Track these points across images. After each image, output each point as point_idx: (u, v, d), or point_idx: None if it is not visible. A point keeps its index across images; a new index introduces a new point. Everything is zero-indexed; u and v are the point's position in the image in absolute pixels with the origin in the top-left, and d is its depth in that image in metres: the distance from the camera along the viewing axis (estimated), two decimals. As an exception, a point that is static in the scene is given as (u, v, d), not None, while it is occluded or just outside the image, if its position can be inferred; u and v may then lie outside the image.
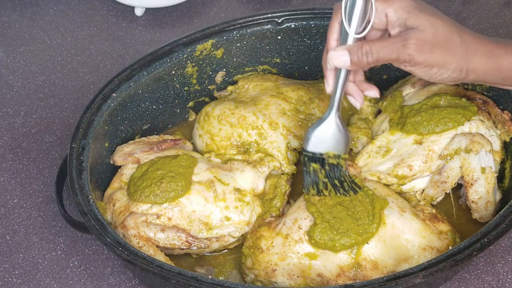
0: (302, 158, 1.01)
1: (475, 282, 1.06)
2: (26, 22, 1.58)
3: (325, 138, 0.98)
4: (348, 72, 0.94)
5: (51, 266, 1.12)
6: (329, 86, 0.95)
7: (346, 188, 1.00)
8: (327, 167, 0.99)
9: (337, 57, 0.90)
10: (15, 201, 1.22)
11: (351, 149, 1.19)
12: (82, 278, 1.10)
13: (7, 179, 1.25)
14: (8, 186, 1.24)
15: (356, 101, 0.98)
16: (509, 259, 1.09)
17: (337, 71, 0.95)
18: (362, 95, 0.97)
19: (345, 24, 0.90)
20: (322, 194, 1.00)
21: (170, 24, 1.58)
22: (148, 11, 1.60)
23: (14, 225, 1.18)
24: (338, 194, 0.99)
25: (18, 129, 1.34)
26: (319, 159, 0.99)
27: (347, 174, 0.99)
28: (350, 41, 0.90)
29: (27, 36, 1.55)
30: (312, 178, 1.00)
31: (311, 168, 1.00)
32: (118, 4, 1.62)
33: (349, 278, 1.00)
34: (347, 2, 0.90)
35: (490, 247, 1.08)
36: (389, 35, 0.91)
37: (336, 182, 0.99)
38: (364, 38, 0.92)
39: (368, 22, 0.90)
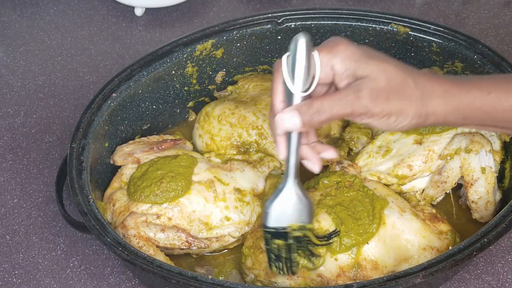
0: (263, 235, 0.88)
1: (475, 282, 1.06)
2: (26, 22, 1.58)
3: (285, 210, 0.86)
4: (300, 134, 0.83)
5: (51, 266, 1.12)
6: (281, 153, 0.84)
7: (316, 255, 0.93)
8: (291, 241, 0.89)
9: (286, 120, 0.80)
10: (15, 201, 1.22)
11: (351, 149, 1.19)
12: (82, 278, 1.10)
13: (7, 179, 1.25)
14: (8, 186, 1.24)
15: (314, 165, 0.86)
16: (509, 259, 1.09)
17: (288, 135, 0.83)
18: (319, 158, 0.86)
19: (289, 83, 0.80)
20: (286, 271, 0.92)
21: (170, 24, 1.58)
22: (148, 11, 1.60)
23: (14, 225, 1.18)
24: (307, 262, 0.94)
25: (18, 129, 1.34)
26: (282, 234, 0.88)
27: (315, 240, 0.91)
28: (297, 100, 0.81)
29: (27, 36, 1.55)
30: (276, 255, 0.91)
31: (274, 245, 0.89)
32: (118, 4, 1.62)
33: (349, 278, 1.00)
34: (287, 59, 0.80)
35: (490, 247, 1.08)
36: (336, 88, 0.83)
37: (301, 253, 0.91)
38: (310, 96, 0.82)
39: (313, 77, 0.80)
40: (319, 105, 0.79)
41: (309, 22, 1.27)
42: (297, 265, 0.91)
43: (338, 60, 0.80)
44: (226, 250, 1.12)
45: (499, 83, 0.82)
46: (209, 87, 1.32)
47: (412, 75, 0.81)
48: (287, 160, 0.84)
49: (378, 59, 0.80)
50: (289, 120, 0.81)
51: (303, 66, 0.79)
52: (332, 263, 1.00)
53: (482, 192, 1.08)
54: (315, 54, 0.80)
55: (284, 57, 0.81)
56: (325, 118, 0.80)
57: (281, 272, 0.91)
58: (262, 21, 1.27)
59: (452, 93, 0.81)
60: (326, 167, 1.16)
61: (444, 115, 0.82)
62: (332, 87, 0.84)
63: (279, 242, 0.89)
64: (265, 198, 1.12)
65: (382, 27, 1.25)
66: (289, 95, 0.82)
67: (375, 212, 1.02)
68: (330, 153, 0.87)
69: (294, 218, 0.87)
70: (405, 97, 0.80)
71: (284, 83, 0.81)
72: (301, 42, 0.79)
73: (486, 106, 0.81)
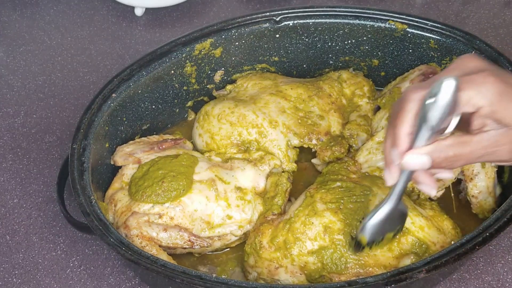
0: (359, 247, 0.92)
1: (475, 282, 1.06)
2: (26, 22, 1.59)
3: (383, 226, 0.88)
4: None
5: (51, 266, 1.11)
6: (393, 180, 0.79)
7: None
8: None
9: (415, 162, 0.75)
10: (15, 201, 1.22)
11: (351, 146, 1.19)
12: (82, 278, 1.10)
13: (7, 179, 1.25)
14: (8, 186, 1.24)
15: (431, 189, 0.80)
16: (509, 259, 1.09)
17: None
18: (435, 181, 0.80)
19: (426, 123, 0.73)
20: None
21: (170, 24, 1.58)
22: (148, 11, 1.61)
23: (14, 225, 1.18)
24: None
25: (18, 129, 1.34)
26: (378, 242, 0.92)
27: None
28: (427, 139, 0.74)
29: (27, 36, 1.55)
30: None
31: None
32: (118, 4, 1.62)
33: (353, 274, 1.00)
34: (434, 96, 0.73)
35: (490, 247, 1.08)
36: (467, 121, 0.76)
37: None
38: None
39: (451, 119, 0.74)
40: (454, 154, 0.75)
41: (307, 21, 1.27)
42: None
43: (486, 103, 0.72)
44: (228, 249, 1.12)
45: None
46: (208, 86, 1.32)
47: None
48: (396, 185, 0.82)
49: None
50: (418, 162, 0.75)
51: (446, 109, 0.72)
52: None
53: (482, 187, 1.09)
54: (460, 95, 0.72)
55: (428, 95, 0.74)
56: (459, 165, 0.76)
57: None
58: (260, 19, 1.27)
59: None
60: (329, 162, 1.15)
61: None
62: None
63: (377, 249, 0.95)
64: (266, 196, 1.12)
65: (380, 24, 1.26)
66: (419, 131, 0.75)
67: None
68: (446, 174, 0.81)
69: (391, 229, 0.91)
70: None
71: (417, 117, 0.75)
72: (449, 84, 0.72)
73: None
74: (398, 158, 0.77)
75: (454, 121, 0.75)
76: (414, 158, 0.75)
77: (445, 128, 0.75)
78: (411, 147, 0.76)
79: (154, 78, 1.23)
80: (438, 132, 0.75)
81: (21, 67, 1.48)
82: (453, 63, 0.77)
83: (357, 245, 0.91)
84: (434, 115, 0.73)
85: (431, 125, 0.73)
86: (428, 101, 0.73)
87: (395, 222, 0.89)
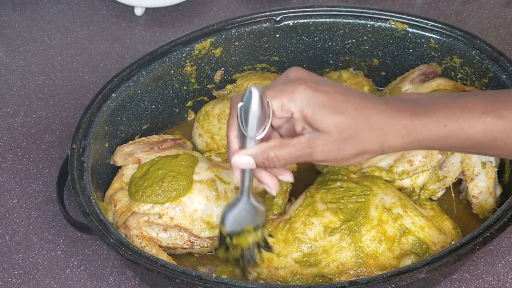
0: (222, 240, 0.97)
1: (476, 282, 1.05)
2: (26, 22, 1.59)
3: (241, 218, 0.94)
4: None
5: (50, 266, 1.11)
6: (236, 178, 0.89)
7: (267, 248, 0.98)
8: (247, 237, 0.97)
9: (241, 162, 0.85)
10: (14, 201, 1.22)
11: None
12: (82, 278, 1.09)
13: (7, 179, 1.25)
14: (8, 186, 1.24)
15: (271, 189, 0.89)
16: (510, 259, 1.08)
17: None
18: (276, 181, 0.89)
19: (242, 128, 0.84)
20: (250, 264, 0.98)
21: (170, 24, 1.58)
22: (148, 11, 1.60)
23: (14, 225, 1.18)
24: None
25: (17, 129, 1.34)
26: (239, 234, 0.96)
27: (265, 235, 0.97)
28: (251, 144, 0.85)
29: (27, 36, 1.55)
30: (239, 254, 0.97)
31: (234, 245, 0.97)
32: (118, 4, 1.62)
33: (353, 274, 1.00)
34: (242, 102, 0.83)
35: (491, 247, 1.08)
36: (293, 125, 0.85)
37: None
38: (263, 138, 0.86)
39: (267, 120, 0.84)
40: (273, 155, 0.83)
41: (307, 20, 1.27)
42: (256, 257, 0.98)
43: (295, 108, 0.81)
44: (228, 249, 1.12)
45: (455, 112, 0.82)
46: (208, 86, 1.32)
47: (369, 118, 0.81)
48: (242, 182, 0.90)
49: (333, 109, 0.81)
50: (244, 162, 0.84)
51: (256, 118, 0.82)
52: (334, 260, 1.00)
53: (483, 187, 1.09)
54: (270, 102, 0.82)
55: (239, 105, 0.83)
56: (280, 165, 0.84)
57: (247, 264, 0.98)
58: (261, 19, 1.27)
59: (410, 128, 0.82)
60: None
61: (401, 148, 0.84)
62: (290, 121, 0.86)
63: (238, 241, 0.96)
64: (266, 196, 1.12)
65: (380, 24, 1.26)
66: (242, 136, 0.85)
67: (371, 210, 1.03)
68: (286, 177, 0.89)
69: (249, 222, 0.94)
70: (360, 143, 0.82)
71: (239, 126, 0.85)
72: (254, 95, 0.81)
73: (444, 138, 0.82)
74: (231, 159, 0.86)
75: (268, 123, 0.83)
76: (240, 158, 0.84)
77: (265, 130, 0.84)
78: (242, 148, 0.85)
79: (154, 78, 1.22)
80: (258, 134, 0.84)
81: (21, 67, 1.48)
82: (281, 75, 0.86)
83: (220, 238, 0.96)
84: (247, 120, 0.83)
85: (247, 129, 0.83)
86: (239, 108, 0.83)
87: (253, 217, 0.94)
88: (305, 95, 0.81)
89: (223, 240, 0.95)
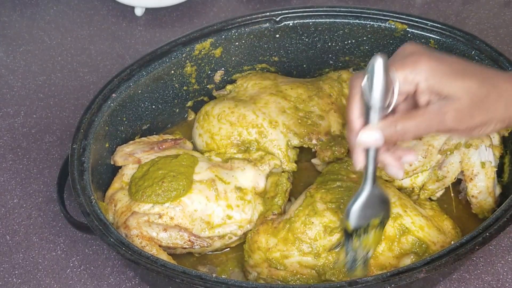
0: (345, 238, 0.95)
1: (475, 282, 1.06)
2: (26, 22, 1.59)
3: (365, 211, 0.91)
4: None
5: (51, 266, 1.12)
6: (359, 163, 0.86)
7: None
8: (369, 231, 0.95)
9: (369, 138, 0.82)
10: (15, 201, 1.22)
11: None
12: (82, 278, 1.10)
13: (7, 179, 1.25)
14: (8, 186, 1.24)
15: (398, 172, 0.87)
16: (509, 259, 1.09)
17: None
18: (401, 164, 0.87)
19: (368, 100, 0.81)
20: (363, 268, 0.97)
21: (170, 24, 1.58)
22: (148, 11, 1.61)
23: (14, 225, 1.18)
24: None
25: (18, 129, 1.34)
26: (364, 229, 0.95)
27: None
28: (375, 119, 0.82)
29: (27, 36, 1.55)
30: (353, 256, 0.96)
31: (355, 244, 0.95)
32: (118, 4, 1.62)
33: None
34: (367, 79, 0.81)
35: (490, 247, 1.08)
36: (415, 101, 0.84)
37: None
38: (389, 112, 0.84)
39: (392, 94, 0.82)
40: (403, 126, 0.81)
41: (307, 20, 1.27)
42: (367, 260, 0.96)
43: (421, 79, 0.80)
44: (228, 249, 1.12)
45: None
46: (208, 86, 1.32)
47: (496, 84, 0.81)
48: (366, 168, 0.87)
49: (460, 76, 0.80)
50: (371, 138, 0.82)
51: (382, 86, 0.80)
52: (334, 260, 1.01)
53: (482, 187, 1.09)
54: (394, 74, 0.81)
55: (364, 77, 0.81)
56: (409, 137, 0.82)
57: (357, 269, 0.96)
58: (260, 19, 1.27)
59: None
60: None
61: None
62: (412, 98, 0.84)
63: (365, 241, 0.94)
64: (266, 196, 1.13)
65: (380, 24, 1.26)
66: (367, 112, 0.82)
67: None
68: (412, 157, 0.88)
69: (374, 214, 0.92)
70: (490, 110, 0.81)
71: (362, 100, 0.82)
72: (378, 63, 0.79)
73: None
74: (355, 140, 0.83)
75: (395, 97, 0.82)
76: (367, 135, 0.82)
77: (390, 105, 0.82)
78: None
79: (154, 78, 1.23)
80: (383, 109, 0.81)
81: (21, 67, 1.48)
82: (396, 51, 0.85)
83: (345, 234, 0.93)
84: (372, 94, 0.80)
85: (372, 103, 0.80)
86: (364, 83, 0.81)
87: (378, 208, 0.92)
88: (428, 65, 0.80)
89: (347, 239, 0.92)
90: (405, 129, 0.81)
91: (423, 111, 0.81)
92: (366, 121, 0.82)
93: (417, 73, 0.80)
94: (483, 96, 0.80)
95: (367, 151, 0.85)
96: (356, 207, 0.90)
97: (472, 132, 0.83)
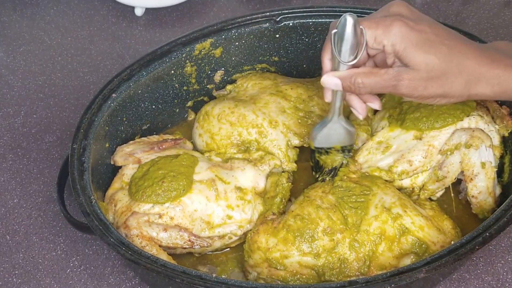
0: (311, 153, 1.11)
1: (475, 282, 1.06)
2: (26, 22, 1.59)
3: (330, 136, 1.06)
4: None
5: (51, 266, 1.12)
6: (326, 98, 0.98)
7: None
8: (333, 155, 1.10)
9: (330, 83, 0.91)
10: (15, 201, 1.22)
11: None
12: (82, 278, 1.10)
13: (7, 179, 1.25)
14: (8, 186, 1.24)
15: (359, 114, 0.97)
16: (509, 259, 1.09)
17: None
18: (365, 106, 0.96)
19: (335, 52, 0.89)
20: (328, 177, 1.11)
21: (170, 24, 1.58)
22: (148, 11, 1.61)
23: (14, 225, 1.18)
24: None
25: (18, 129, 1.35)
26: (326, 151, 1.10)
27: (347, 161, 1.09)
28: (342, 68, 0.91)
29: (27, 36, 1.55)
30: (320, 167, 1.12)
31: (320, 159, 1.11)
32: (118, 4, 1.62)
33: (353, 274, 1.00)
34: (337, 29, 0.88)
35: (490, 247, 1.08)
36: (383, 59, 0.92)
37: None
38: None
39: (360, 48, 0.89)
40: (360, 82, 0.88)
41: (307, 20, 1.27)
42: (336, 170, 1.10)
43: (388, 43, 0.85)
44: (228, 249, 1.12)
45: None
46: (208, 86, 1.32)
47: (460, 62, 0.84)
48: (333, 102, 0.98)
49: (426, 48, 0.84)
50: (331, 83, 0.91)
51: (348, 44, 0.88)
52: (334, 260, 1.01)
53: (482, 187, 1.09)
54: (364, 31, 0.87)
55: (333, 31, 0.89)
56: (364, 92, 0.90)
57: (323, 180, 1.11)
58: (260, 19, 1.27)
59: (502, 79, 0.84)
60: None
61: (490, 96, 0.87)
62: (381, 53, 0.91)
63: (323, 158, 1.10)
64: (266, 196, 1.13)
65: (381, 24, 1.26)
66: (334, 60, 0.92)
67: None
68: (375, 104, 0.96)
69: (337, 142, 1.07)
70: (446, 86, 0.85)
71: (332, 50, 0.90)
72: (348, 23, 0.86)
73: None
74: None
75: (360, 53, 0.89)
76: (328, 79, 0.92)
77: (356, 58, 0.90)
78: (332, 70, 0.92)
79: (154, 78, 1.23)
80: (348, 61, 0.90)
81: (21, 67, 1.48)
82: (382, 7, 0.91)
83: (311, 150, 1.09)
84: (338, 49, 0.89)
85: (337, 56, 0.89)
86: (332, 37, 0.89)
87: (343, 138, 1.06)
88: (399, 31, 0.84)
89: (312, 155, 1.09)
90: (363, 84, 0.88)
91: (382, 72, 0.87)
92: (333, 65, 0.92)
93: (387, 36, 0.85)
94: (441, 72, 0.84)
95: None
96: (318, 131, 1.05)
97: (425, 101, 0.88)
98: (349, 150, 1.10)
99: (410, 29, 0.84)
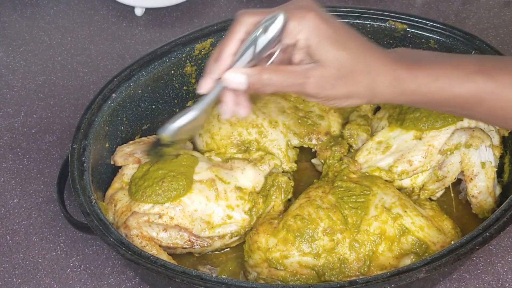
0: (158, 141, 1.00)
1: (475, 282, 1.06)
2: (26, 22, 1.59)
3: (184, 129, 0.95)
4: None
5: (51, 266, 1.12)
6: (204, 89, 0.86)
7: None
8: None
9: (234, 79, 0.82)
10: (15, 201, 1.22)
11: (351, 146, 1.19)
12: (82, 278, 1.10)
13: (7, 179, 1.25)
14: (8, 186, 1.24)
15: (224, 113, 0.87)
16: (509, 259, 1.09)
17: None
18: (234, 109, 0.87)
19: (257, 49, 0.82)
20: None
21: (170, 24, 1.58)
22: (148, 11, 1.60)
23: (14, 225, 1.18)
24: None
25: (18, 129, 1.34)
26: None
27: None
28: (247, 62, 0.82)
29: (27, 36, 1.55)
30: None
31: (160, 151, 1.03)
32: (118, 4, 1.62)
33: (352, 274, 1.00)
34: (264, 27, 0.81)
35: (490, 247, 1.08)
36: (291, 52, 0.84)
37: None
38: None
39: (275, 48, 0.83)
40: (267, 78, 0.81)
41: (308, 20, 1.27)
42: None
43: (303, 36, 0.80)
44: (228, 249, 1.12)
45: (448, 69, 0.82)
46: (208, 86, 1.31)
47: (367, 60, 0.81)
48: (205, 96, 0.88)
49: (339, 44, 0.80)
50: (236, 80, 0.82)
51: (272, 41, 0.81)
52: (334, 260, 1.01)
53: (482, 187, 1.09)
54: (285, 24, 0.81)
55: (260, 28, 0.81)
56: (270, 90, 0.82)
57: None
58: (261, 19, 1.27)
59: (401, 79, 0.82)
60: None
61: (389, 99, 0.84)
62: (288, 51, 0.84)
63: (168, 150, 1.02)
64: (266, 196, 1.12)
65: (380, 24, 1.26)
66: (243, 54, 0.82)
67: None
68: (243, 110, 0.87)
69: (187, 134, 0.98)
70: (354, 84, 0.81)
71: (244, 41, 0.82)
72: (279, 21, 0.80)
73: (432, 93, 0.82)
74: (216, 73, 0.83)
75: (277, 52, 0.83)
76: (234, 75, 0.81)
77: (269, 58, 0.83)
78: (231, 66, 0.82)
79: (154, 78, 1.22)
80: (261, 59, 0.83)
81: (21, 67, 1.48)
82: (290, 1, 0.84)
83: (156, 144, 1.00)
84: (262, 44, 0.80)
85: (257, 52, 0.81)
86: (259, 30, 0.80)
87: (193, 129, 0.95)
88: (314, 23, 0.80)
89: (158, 147, 1.00)
90: (269, 81, 0.81)
91: (290, 69, 0.81)
92: (236, 61, 0.82)
93: (301, 29, 0.79)
94: (350, 70, 0.80)
95: (218, 84, 0.85)
96: (176, 125, 0.93)
97: (329, 102, 0.83)
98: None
99: (323, 21, 0.80)
